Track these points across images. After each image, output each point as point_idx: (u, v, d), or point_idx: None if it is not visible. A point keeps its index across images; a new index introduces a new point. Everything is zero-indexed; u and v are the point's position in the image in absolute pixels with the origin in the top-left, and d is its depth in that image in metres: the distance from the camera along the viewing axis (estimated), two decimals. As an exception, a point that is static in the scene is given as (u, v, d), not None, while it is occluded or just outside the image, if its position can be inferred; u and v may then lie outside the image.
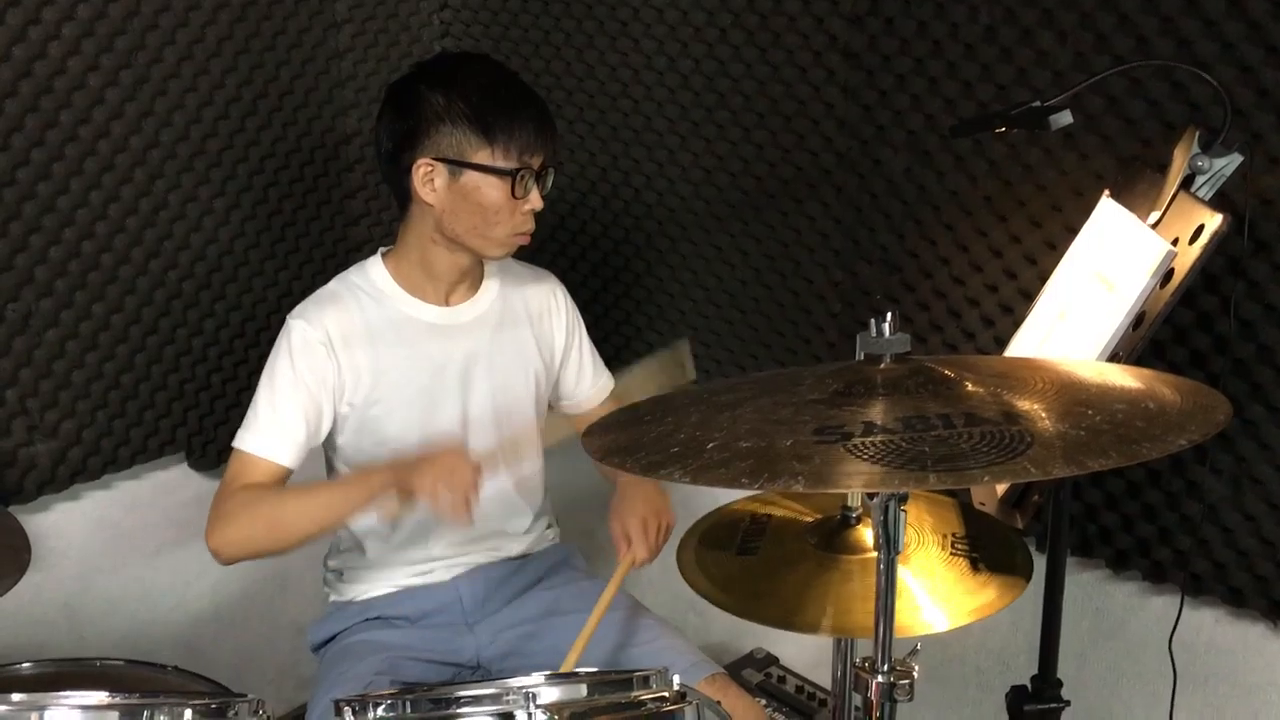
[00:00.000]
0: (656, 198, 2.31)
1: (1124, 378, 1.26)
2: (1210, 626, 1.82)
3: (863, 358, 1.27)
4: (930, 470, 1.00)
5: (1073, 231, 1.64)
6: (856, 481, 1.03)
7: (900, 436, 1.07)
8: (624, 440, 1.20)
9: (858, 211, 2.02)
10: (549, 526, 2.04)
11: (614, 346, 2.44)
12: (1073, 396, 1.17)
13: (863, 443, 1.06)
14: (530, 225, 1.78)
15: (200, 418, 2.28)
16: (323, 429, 1.80)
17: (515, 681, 1.29)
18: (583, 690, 1.30)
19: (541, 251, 2.47)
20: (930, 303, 1.98)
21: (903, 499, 1.19)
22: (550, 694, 1.27)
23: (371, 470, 1.74)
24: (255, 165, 2.25)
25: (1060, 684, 1.61)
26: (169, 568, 2.35)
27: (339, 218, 2.41)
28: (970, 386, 1.19)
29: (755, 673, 2.33)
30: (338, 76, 2.34)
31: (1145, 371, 1.29)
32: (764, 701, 2.22)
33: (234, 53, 2.17)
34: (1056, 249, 1.69)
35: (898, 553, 1.20)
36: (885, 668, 1.24)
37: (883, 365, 1.22)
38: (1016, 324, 1.71)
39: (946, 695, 2.20)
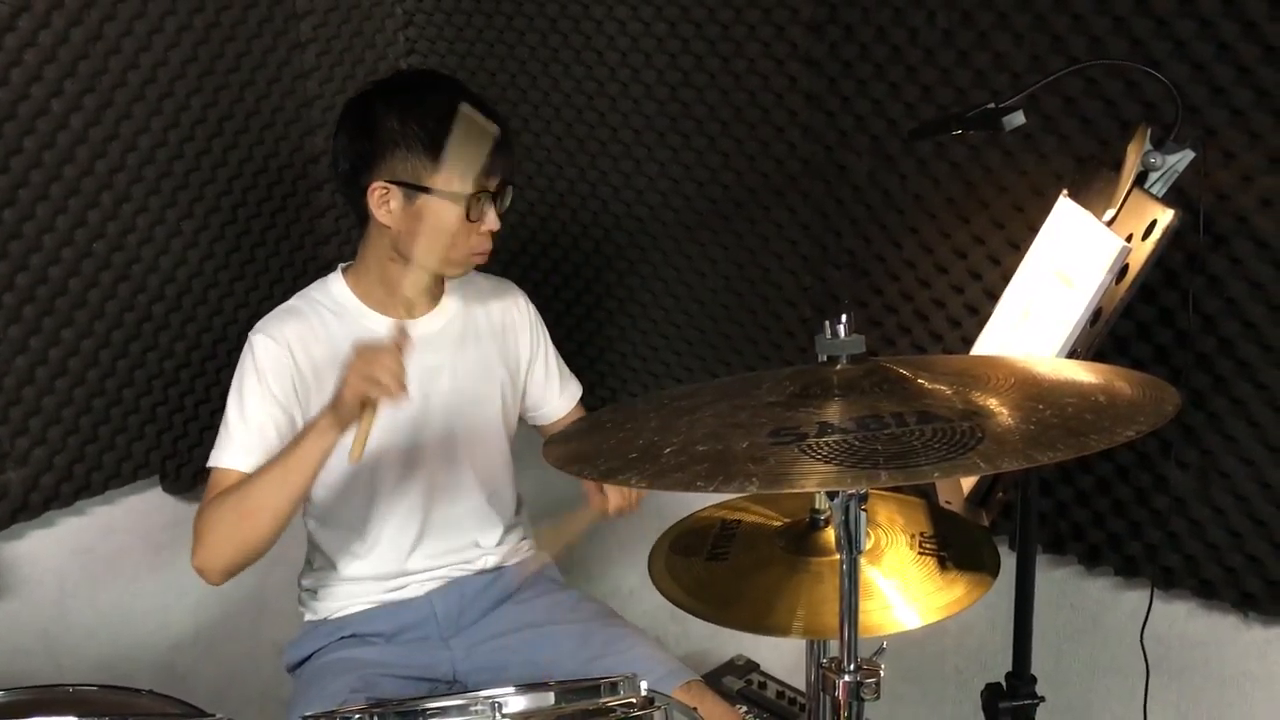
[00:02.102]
0: (624, 208, 2.32)
1: (1080, 373, 1.28)
2: (1182, 619, 1.83)
3: (824, 360, 1.28)
4: (882, 468, 1.01)
5: (1034, 231, 1.65)
6: (810, 481, 1.04)
7: (854, 436, 1.07)
8: (584, 448, 1.21)
9: (824, 217, 2.04)
10: (523, 539, 2.04)
11: (587, 358, 2.45)
12: (1026, 392, 1.18)
13: (817, 443, 1.07)
14: (487, 245, 1.79)
15: (173, 440, 2.27)
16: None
17: (483, 692, 1.29)
18: (550, 698, 1.30)
19: (513, 265, 2.48)
20: (898, 305, 1.99)
21: (863, 499, 1.20)
22: (517, 703, 1.28)
23: (312, 418, 1.70)
24: (223, 186, 2.25)
25: (1035, 680, 1.61)
26: (147, 592, 2.34)
27: (308, 237, 2.41)
28: (926, 385, 1.20)
29: (736, 679, 2.33)
30: (304, 96, 2.35)
31: (1102, 366, 1.31)
32: (745, 708, 2.22)
33: (199, 74, 2.17)
34: (1019, 249, 1.71)
35: (859, 552, 1.21)
36: (851, 667, 1.25)
37: (839, 367, 1.23)
38: (982, 324, 1.73)
39: (926, 695, 2.20)
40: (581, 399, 2.10)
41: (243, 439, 1.76)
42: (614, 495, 1.81)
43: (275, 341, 1.78)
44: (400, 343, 1.61)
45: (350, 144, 1.77)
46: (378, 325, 1.83)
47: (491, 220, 1.76)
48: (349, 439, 1.63)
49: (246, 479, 1.72)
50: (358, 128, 1.76)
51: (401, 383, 1.58)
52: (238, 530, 1.69)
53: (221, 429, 1.78)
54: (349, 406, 1.60)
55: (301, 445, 1.66)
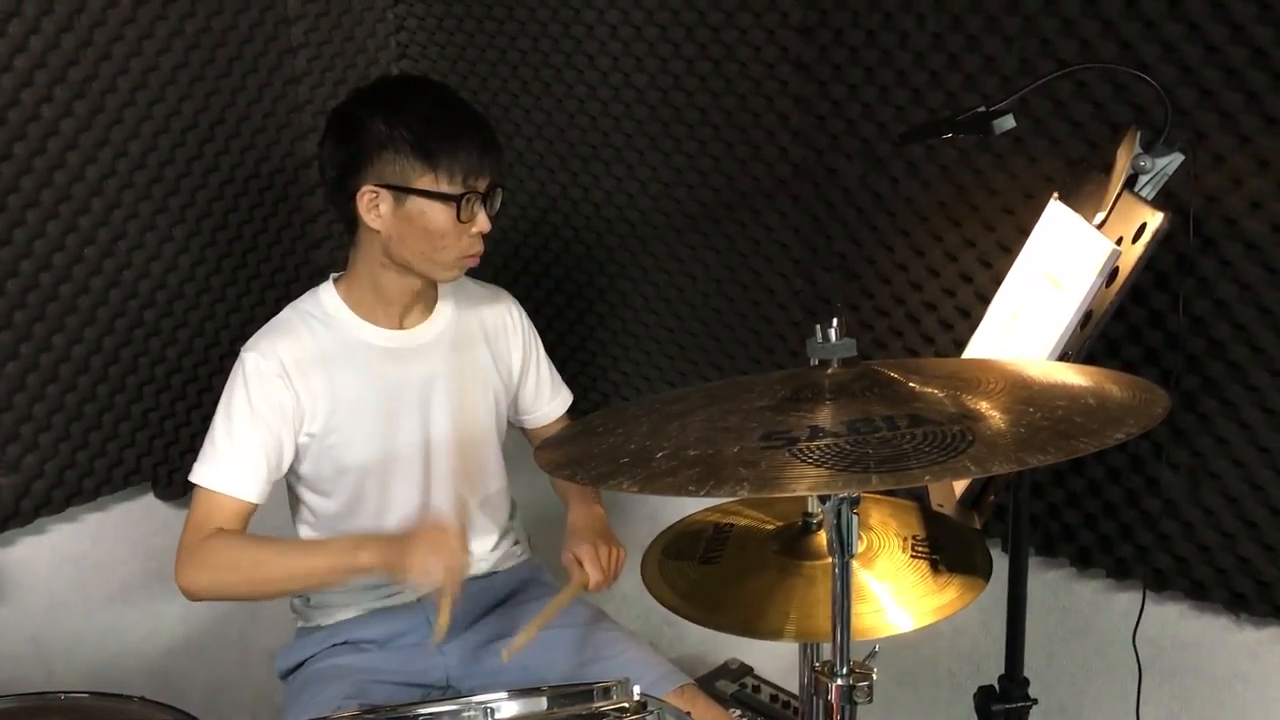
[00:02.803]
0: (616, 213, 2.32)
1: (1070, 376, 1.28)
2: (1174, 621, 1.84)
3: (815, 363, 1.28)
4: (873, 472, 1.01)
5: (1025, 234, 1.66)
6: (801, 485, 1.04)
7: (845, 440, 1.08)
8: (575, 453, 1.21)
9: (814, 220, 2.04)
10: (516, 543, 2.04)
11: (579, 363, 2.45)
12: (1017, 395, 1.18)
13: (808, 447, 1.07)
14: (479, 247, 1.79)
15: (165, 447, 2.27)
16: (284, 461, 1.80)
17: (475, 698, 1.29)
18: (543, 704, 1.30)
19: (504, 270, 2.48)
20: (889, 309, 1.99)
21: (854, 502, 1.20)
22: (510, 709, 1.28)
23: (358, 543, 1.72)
24: (215, 191, 2.25)
25: (1027, 682, 1.61)
26: (138, 599, 2.34)
27: (300, 242, 2.41)
28: (917, 388, 1.20)
29: (730, 683, 2.34)
30: (295, 101, 2.34)
31: (1092, 369, 1.31)
32: (738, 712, 2.22)
33: (189, 80, 2.17)
34: (1010, 252, 1.71)
35: (851, 556, 1.21)
36: (844, 670, 1.25)
37: (830, 370, 1.23)
38: (973, 327, 1.73)
39: (919, 699, 2.20)
40: (573, 405, 2.10)
41: (232, 462, 1.75)
42: (594, 571, 1.80)
43: (266, 359, 1.77)
44: (465, 527, 1.70)
45: (337, 150, 1.76)
46: (370, 335, 1.83)
47: (482, 221, 1.76)
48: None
49: (266, 551, 1.75)
50: (344, 133, 1.76)
51: (459, 580, 1.65)
52: (238, 588, 1.77)
53: (207, 442, 1.78)
54: (403, 572, 1.65)
55: (334, 559, 1.74)
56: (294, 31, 2.32)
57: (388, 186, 1.73)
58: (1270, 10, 1.51)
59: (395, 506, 1.87)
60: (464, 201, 1.73)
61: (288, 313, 1.85)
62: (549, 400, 2.04)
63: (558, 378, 2.07)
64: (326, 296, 1.85)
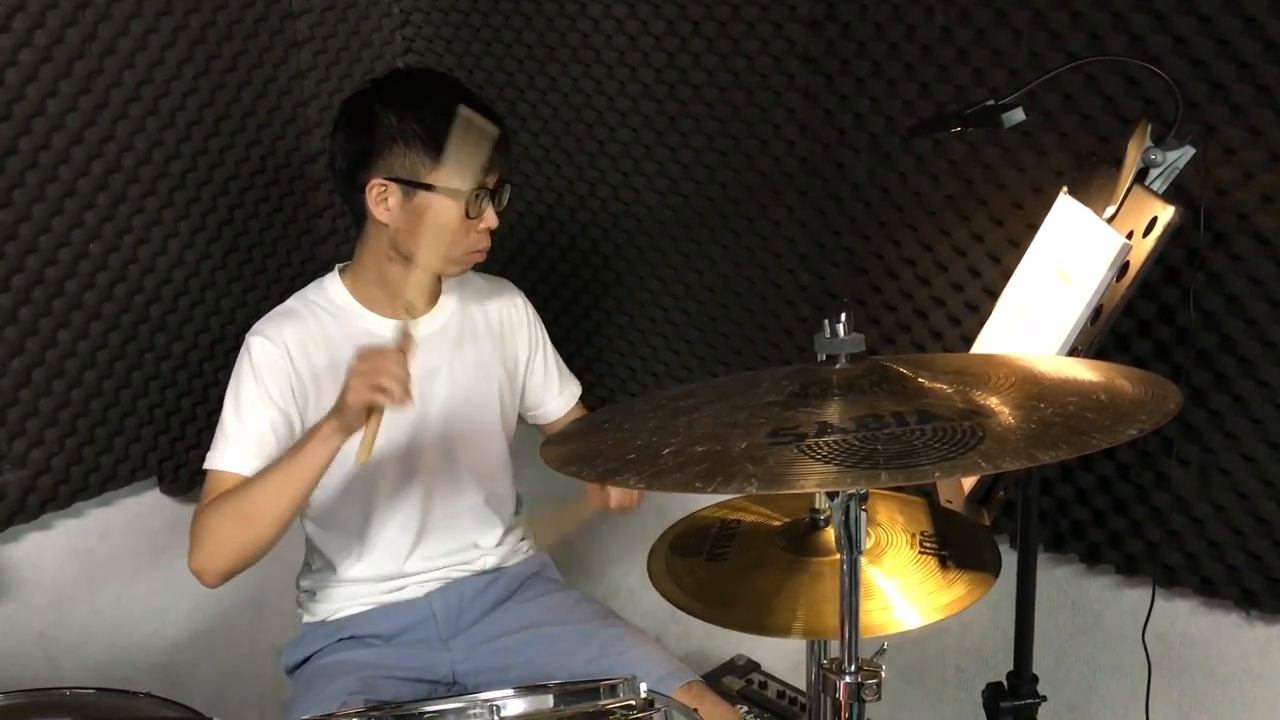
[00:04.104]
0: (623, 208, 2.31)
1: (1081, 371, 1.27)
2: (1184, 617, 1.83)
3: (823, 359, 1.27)
4: (882, 468, 1.01)
5: (1034, 228, 1.65)
6: (810, 482, 1.03)
7: (854, 436, 1.07)
8: (582, 449, 1.20)
9: (822, 215, 2.03)
10: (522, 539, 2.03)
11: (585, 358, 2.44)
12: (1027, 391, 1.17)
13: (817, 443, 1.06)
14: (486, 243, 1.78)
15: (171, 442, 2.27)
16: (294, 440, 1.79)
17: (481, 695, 1.29)
18: (550, 701, 1.29)
19: (510, 265, 2.48)
20: (897, 304, 1.98)
21: (863, 499, 1.19)
22: (516, 706, 1.27)
23: (316, 424, 1.68)
24: (220, 187, 2.24)
25: (1036, 679, 1.61)
26: (144, 595, 2.34)
27: (306, 237, 2.40)
28: (926, 384, 1.19)
29: (736, 679, 2.33)
30: (301, 95, 2.34)
31: (1102, 364, 1.30)
32: (745, 708, 2.21)
33: (195, 74, 2.16)
34: (1019, 246, 1.70)
35: (860, 552, 1.20)
36: (852, 668, 1.24)
37: (839, 366, 1.23)
38: (982, 322, 1.72)
39: (927, 695, 2.20)
40: (581, 398, 2.09)
41: (240, 441, 1.75)
42: (614, 490, 1.80)
43: (273, 343, 1.77)
44: (404, 346, 1.60)
45: (348, 142, 1.76)
46: (376, 326, 1.82)
47: (490, 218, 1.76)
48: (353, 443, 1.62)
49: (247, 482, 1.71)
50: (356, 125, 1.75)
51: (406, 388, 1.58)
52: (237, 534, 1.68)
53: (218, 431, 1.78)
54: (353, 411, 1.59)
55: (304, 450, 1.66)
56: (299, 26, 2.32)
57: (397, 180, 1.72)
58: (1282, 3, 1.50)
59: (393, 497, 1.86)
60: (473, 197, 1.72)
61: (293, 301, 1.85)
62: (558, 393, 2.04)
63: (566, 369, 2.06)
64: (332, 287, 1.84)
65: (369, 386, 1.57)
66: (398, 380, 1.57)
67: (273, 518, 1.67)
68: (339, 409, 1.61)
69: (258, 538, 1.68)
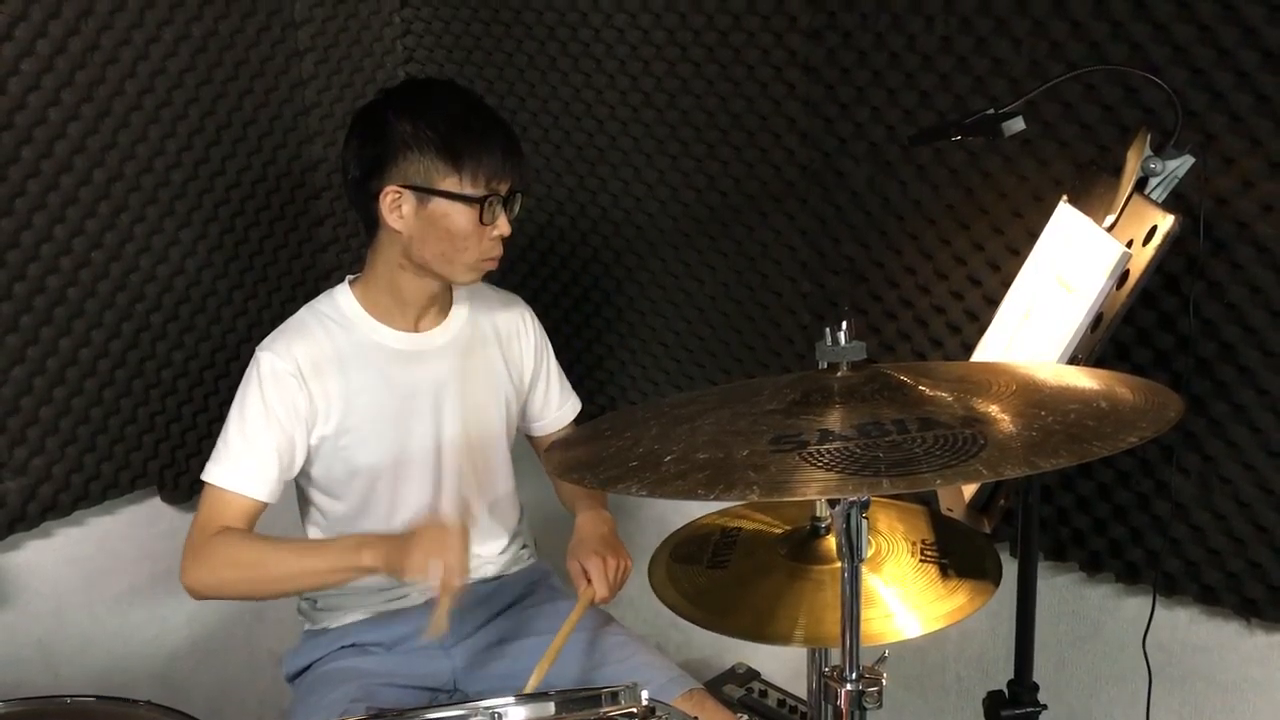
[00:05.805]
0: (623, 215, 2.31)
1: (1081, 379, 1.27)
2: (1185, 625, 1.83)
3: (824, 366, 1.27)
4: (884, 475, 1.01)
5: (1034, 236, 1.65)
6: (811, 489, 1.03)
7: (855, 443, 1.07)
8: (584, 456, 1.20)
9: (822, 223, 2.03)
10: (524, 547, 2.03)
11: (586, 366, 2.44)
12: (1028, 399, 1.17)
13: (818, 450, 1.06)
14: (498, 251, 1.79)
15: (171, 450, 2.27)
16: (296, 462, 1.79)
17: (483, 702, 1.29)
18: (551, 708, 1.29)
19: (511, 273, 2.48)
20: (897, 312, 1.99)
21: (864, 506, 1.19)
22: (518, 713, 1.27)
23: (360, 542, 1.70)
24: (221, 195, 2.25)
25: (1037, 688, 1.61)
26: (144, 603, 2.34)
27: (307, 245, 2.41)
28: (928, 392, 1.20)
29: (737, 688, 2.33)
30: (302, 104, 2.34)
31: (1103, 372, 1.30)
32: (746, 716, 2.20)
33: (196, 83, 2.17)
34: (1019, 254, 1.70)
35: (861, 560, 1.20)
36: (854, 676, 1.24)
37: (840, 373, 1.23)
38: (982, 330, 1.72)
39: (928, 704, 2.20)
40: (580, 409, 2.10)
41: (241, 460, 1.75)
42: (601, 586, 1.79)
43: (282, 360, 1.77)
44: (467, 527, 1.66)
45: (362, 150, 1.76)
46: (387, 338, 1.83)
47: (503, 225, 1.76)
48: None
49: (263, 546, 1.73)
50: (370, 133, 1.76)
51: (462, 578, 1.61)
52: (239, 587, 1.77)
53: (220, 442, 1.78)
54: (402, 571, 1.62)
55: (335, 559, 1.70)
56: (301, 35, 2.32)
57: (411, 187, 1.73)
58: (1281, 12, 1.50)
59: (406, 509, 1.86)
60: (486, 204, 1.73)
61: (304, 313, 1.85)
62: (557, 408, 2.04)
63: (567, 385, 2.07)
64: (342, 298, 1.85)
65: (430, 564, 1.60)
66: (456, 571, 1.60)
67: (277, 592, 1.79)
68: (392, 556, 1.63)
69: (254, 596, 1.82)
